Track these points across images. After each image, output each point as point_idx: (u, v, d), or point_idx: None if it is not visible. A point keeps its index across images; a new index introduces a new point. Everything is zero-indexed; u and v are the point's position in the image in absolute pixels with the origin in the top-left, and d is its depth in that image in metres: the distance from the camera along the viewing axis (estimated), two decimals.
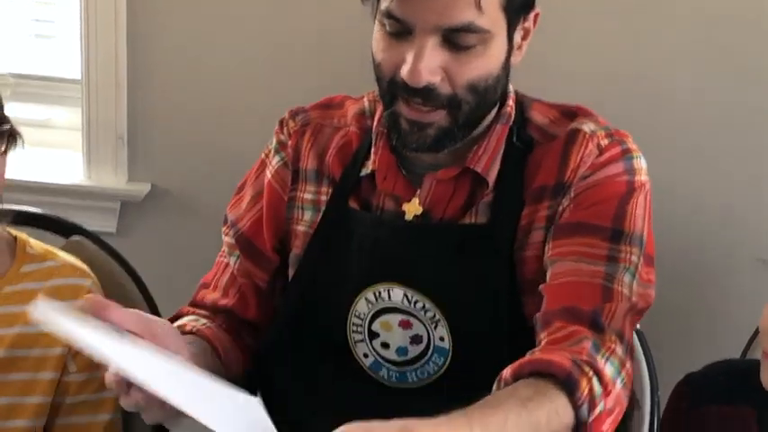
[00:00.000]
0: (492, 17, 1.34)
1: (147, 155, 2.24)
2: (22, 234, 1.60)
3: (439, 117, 1.40)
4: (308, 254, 1.56)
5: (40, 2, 2.30)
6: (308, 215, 1.58)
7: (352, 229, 1.51)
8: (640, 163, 1.47)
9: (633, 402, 1.65)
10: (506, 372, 1.31)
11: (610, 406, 1.29)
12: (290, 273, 1.61)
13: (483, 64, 1.35)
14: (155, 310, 1.75)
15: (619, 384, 1.31)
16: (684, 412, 1.63)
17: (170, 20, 2.17)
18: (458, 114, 1.40)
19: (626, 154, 1.46)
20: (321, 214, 1.56)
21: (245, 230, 1.60)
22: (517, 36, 1.39)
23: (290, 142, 1.58)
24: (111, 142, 2.23)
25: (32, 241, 1.61)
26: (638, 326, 1.67)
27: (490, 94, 1.41)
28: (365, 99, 1.59)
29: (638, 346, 1.77)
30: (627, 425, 1.66)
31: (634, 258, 1.41)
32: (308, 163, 1.60)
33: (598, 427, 1.28)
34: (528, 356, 1.32)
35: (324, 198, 1.57)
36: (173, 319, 1.54)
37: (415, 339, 1.48)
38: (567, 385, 1.26)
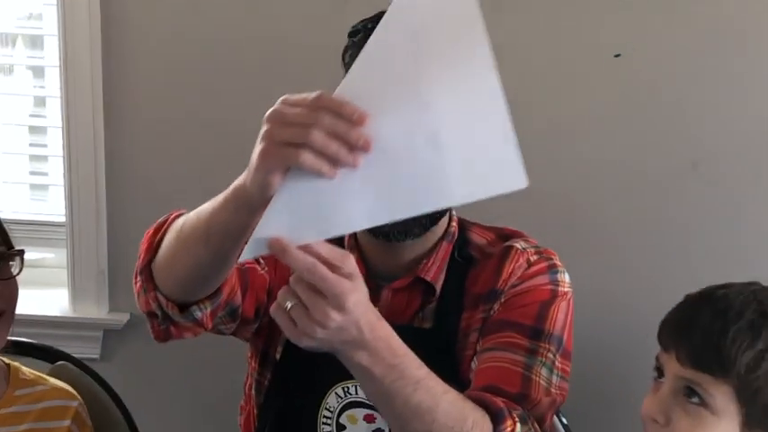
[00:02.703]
0: None
1: (126, 287, 2.09)
2: (15, 362, 1.60)
3: None
4: (288, 352, 1.55)
5: (33, 157, 2.34)
6: None
7: None
8: (564, 276, 1.51)
9: None
10: None
11: None
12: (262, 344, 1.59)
13: None
14: (134, 430, 1.74)
15: None
16: None
17: (145, 170, 2.16)
18: None
19: (551, 268, 1.51)
20: None
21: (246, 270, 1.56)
22: None
23: None
24: (93, 277, 2.23)
25: (24, 368, 1.60)
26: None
27: None
28: None
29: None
30: None
31: (550, 355, 1.44)
32: None
33: None
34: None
35: None
36: None
37: None
38: (497, 416, 1.30)
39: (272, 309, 1.16)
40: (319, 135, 1.09)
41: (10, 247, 1.54)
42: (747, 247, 2.04)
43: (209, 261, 1.31)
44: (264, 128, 1.13)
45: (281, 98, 1.14)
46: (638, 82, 2.01)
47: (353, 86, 1.13)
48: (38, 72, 2.29)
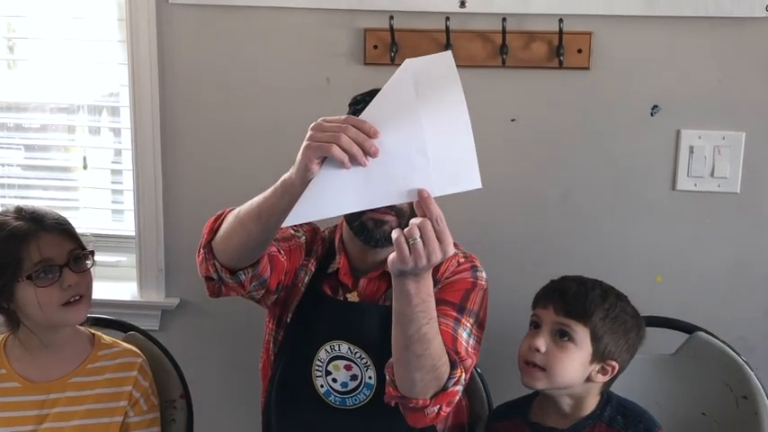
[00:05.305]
0: None
1: (177, 280, 2.37)
2: (98, 332, 1.78)
3: (391, 219, 1.54)
4: (295, 317, 1.67)
5: (114, 191, 2.49)
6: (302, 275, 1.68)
7: (320, 305, 1.65)
8: (482, 274, 1.66)
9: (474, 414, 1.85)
10: None
11: (452, 399, 1.45)
12: (277, 310, 1.68)
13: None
14: (183, 381, 1.87)
15: (458, 397, 1.50)
16: (488, 426, 1.81)
17: (190, 200, 2.28)
18: (400, 219, 1.54)
19: (473, 267, 1.66)
20: (304, 289, 1.66)
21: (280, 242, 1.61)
22: None
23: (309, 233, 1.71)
24: (154, 273, 2.36)
25: (105, 336, 1.77)
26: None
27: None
28: (326, 231, 1.75)
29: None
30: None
31: (469, 325, 1.57)
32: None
33: (448, 397, 1.44)
34: None
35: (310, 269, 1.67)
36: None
37: (353, 378, 1.60)
38: (453, 364, 1.44)
39: (395, 237, 1.23)
40: (345, 138, 1.20)
41: (84, 249, 1.65)
42: (598, 255, 2.19)
43: (257, 234, 1.40)
44: (309, 133, 1.24)
45: (321, 118, 1.25)
46: (529, 137, 2.18)
47: (371, 114, 1.25)
48: (116, 132, 2.43)
